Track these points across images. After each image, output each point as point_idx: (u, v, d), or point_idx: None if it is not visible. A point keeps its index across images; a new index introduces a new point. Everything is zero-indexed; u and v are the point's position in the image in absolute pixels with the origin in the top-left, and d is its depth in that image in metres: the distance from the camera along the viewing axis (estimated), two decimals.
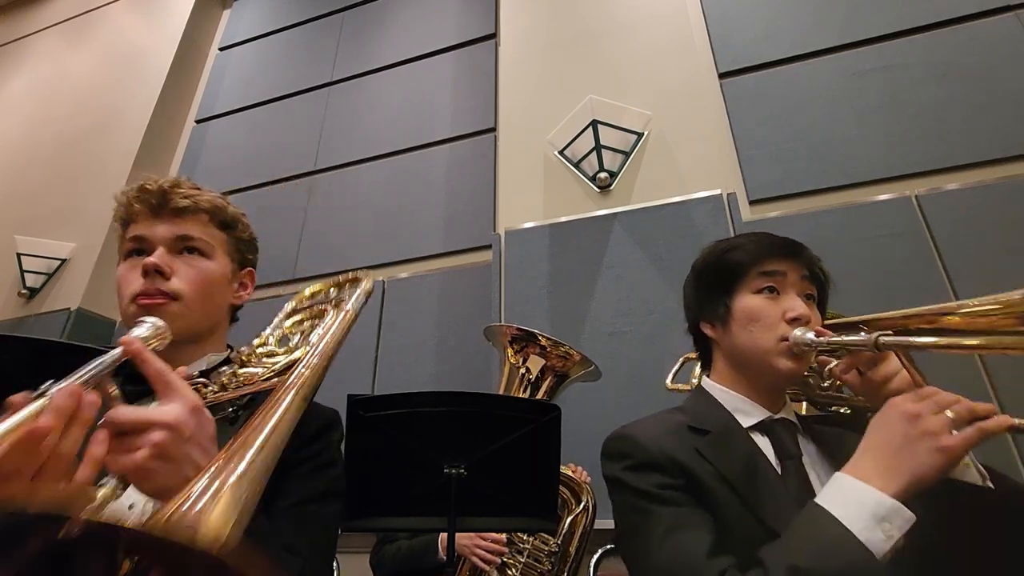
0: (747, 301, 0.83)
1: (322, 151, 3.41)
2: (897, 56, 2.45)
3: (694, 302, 0.91)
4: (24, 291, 3.42)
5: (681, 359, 1.16)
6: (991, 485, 0.65)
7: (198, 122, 4.00)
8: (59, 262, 3.42)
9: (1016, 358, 1.74)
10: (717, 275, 0.87)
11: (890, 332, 0.67)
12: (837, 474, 0.65)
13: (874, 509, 0.59)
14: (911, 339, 0.64)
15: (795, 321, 0.79)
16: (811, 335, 0.76)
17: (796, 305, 0.80)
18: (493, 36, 3.33)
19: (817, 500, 0.64)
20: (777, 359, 0.79)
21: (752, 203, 2.42)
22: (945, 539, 0.63)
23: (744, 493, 0.72)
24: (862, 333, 0.70)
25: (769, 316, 0.80)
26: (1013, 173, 2.10)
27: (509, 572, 1.51)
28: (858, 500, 0.61)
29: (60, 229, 3.51)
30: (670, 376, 1.18)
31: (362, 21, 3.86)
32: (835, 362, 0.79)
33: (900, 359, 0.68)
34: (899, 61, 2.44)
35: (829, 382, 0.87)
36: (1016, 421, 0.59)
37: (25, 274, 3.40)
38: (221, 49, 4.31)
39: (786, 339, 0.78)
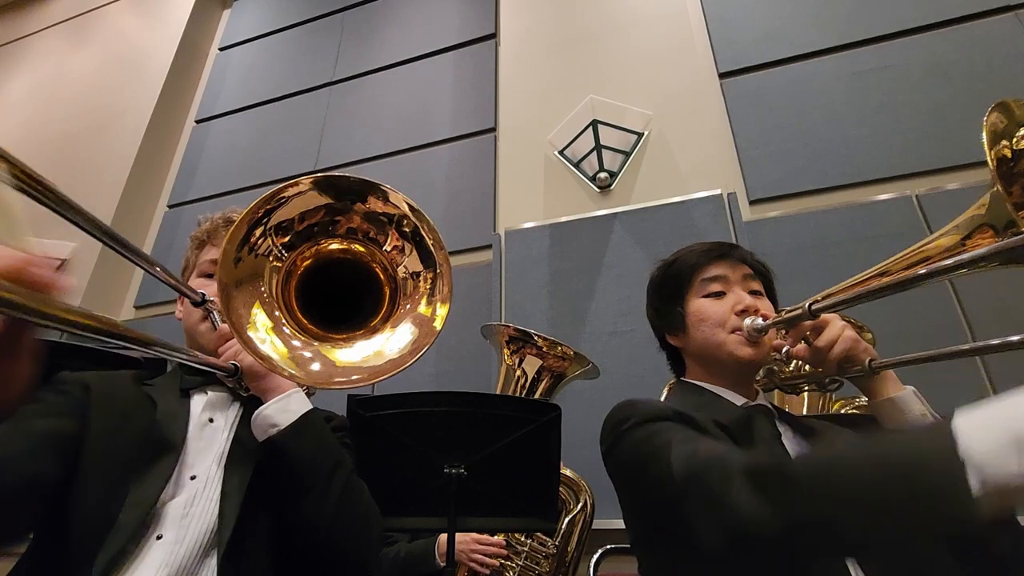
0: (696, 304, 0.89)
1: (322, 151, 3.41)
2: (897, 56, 2.45)
3: (656, 319, 0.98)
4: None
5: (666, 387, 1.17)
6: None
7: (198, 122, 4.00)
8: (59, 262, 3.42)
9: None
10: (666, 289, 0.95)
11: (819, 298, 0.74)
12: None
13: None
14: (835, 298, 0.72)
15: (744, 313, 0.84)
16: (760, 320, 0.83)
17: (743, 298, 0.86)
18: (493, 36, 3.33)
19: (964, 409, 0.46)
20: (736, 348, 0.84)
21: (752, 203, 2.42)
22: None
23: (743, 442, 0.74)
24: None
25: (718, 313, 0.86)
26: None
27: (507, 575, 1.50)
28: (1009, 415, 0.42)
29: (60, 229, 3.50)
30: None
31: (362, 21, 3.86)
32: (788, 345, 0.85)
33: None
34: (899, 61, 2.44)
35: (792, 365, 0.94)
36: None
37: None
38: (221, 49, 4.31)
39: (739, 330, 0.84)
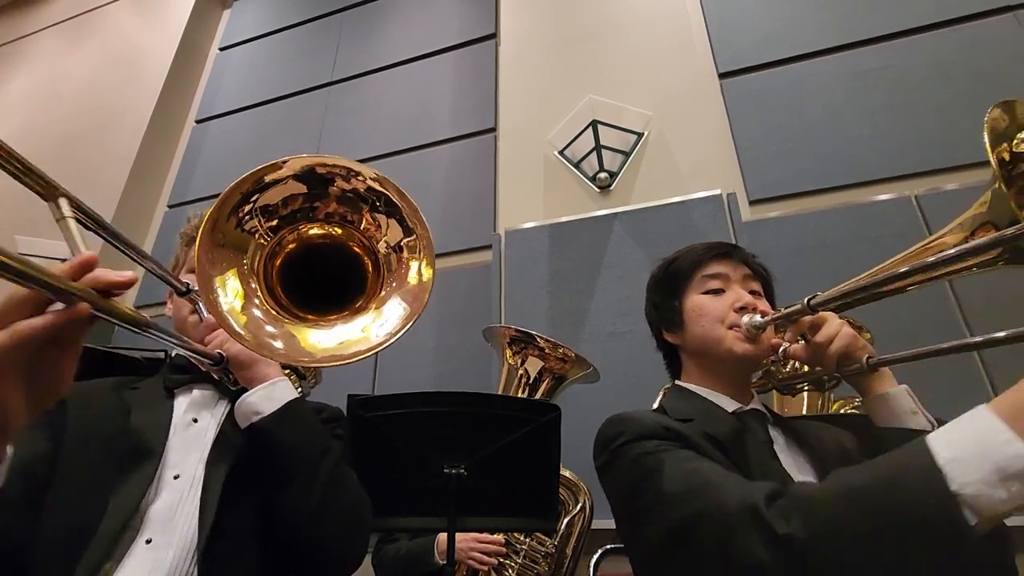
0: (695, 300, 0.89)
1: (322, 151, 3.40)
2: (897, 56, 2.45)
3: (654, 316, 0.98)
4: None
5: (661, 392, 1.16)
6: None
7: (198, 122, 4.00)
8: (59, 262, 3.41)
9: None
10: (666, 285, 0.95)
11: (819, 294, 0.75)
12: (979, 406, 0.50)
13: (1005, 461, 0.44)
14: (836, 293, 0.72)
15: (742, 310, 0.84)
16: (758, 317, 0.83)
17: (742, 295, 0.86)
18: (493, 36, 3.33)
19: (932, 434, 0.51)
20: (733, 344, 0.83)
21: (752, 203, 2.42)
22: None
23: (736, 459, 0.74)
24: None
25: (717, 309, 0.86)
26: None
27: (506, 573, 1.50)
28: (984, 442, 0.46)
29: (59, 230, 3.50)
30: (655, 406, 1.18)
31: (362, 21, 3.86)
32: (786, 342, 0.84)
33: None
34: (899, 61, 2.44)
35: (790, 365, 0.93)
36: None
37: None
38: (221, 49, 4.31)
39: (737, 326, 0.84)
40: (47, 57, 4.71)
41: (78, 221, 0.55)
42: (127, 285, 0.49)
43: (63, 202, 0.54)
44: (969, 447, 0.47)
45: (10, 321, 0.42)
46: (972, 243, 0.55)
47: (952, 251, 0.58)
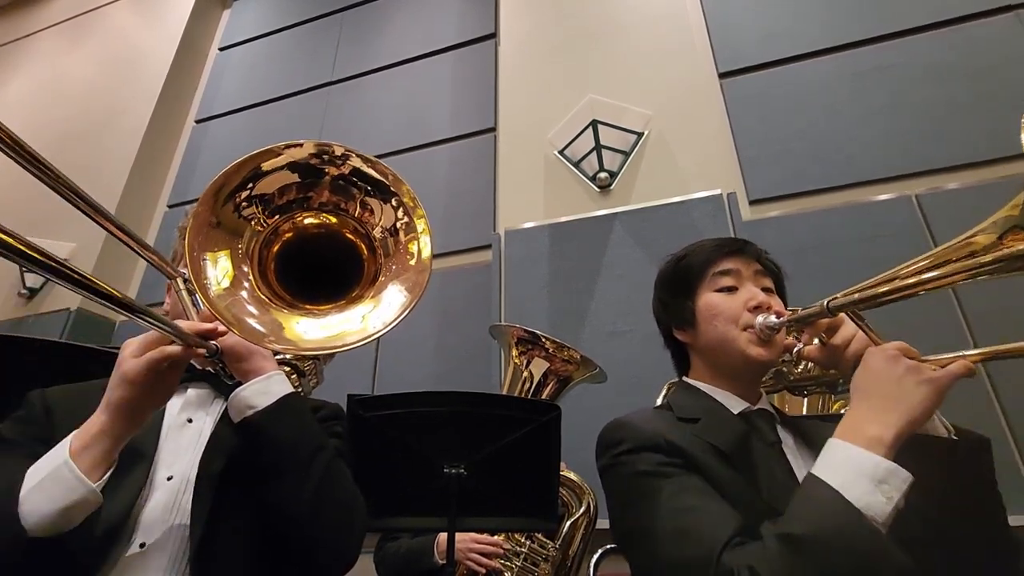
0: (708, 299, 0.87)
1: None
2: (897, 56, 2.46)
3: (663, 313, 0.95)
4: (24, 291, 3.42)
5: (665, 386, 1.15)
6: (955, 437, 0.67)
7: (198, 122, 4.00)
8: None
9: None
10: (677, 282, 0.92)
11: (837, 296, 0.72)
12: (830, 440, 0.64)
13: (871, 472, 0.58)
14: (854, 296, 0.70)
15: (756, 309, 0.82)
16: (773, 318, 0.80)
17: (755, 294, 0.84)
18: (493, 36, 3.33)
19: (813, 470, 0.62)
20: (747, 347, 0.81)
21: (752, 203, 2.42)
22: (921, 492, 0.62)
23: (740, 467, 0.73)
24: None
25: (731, 308, 0.84)
26: (1013, 173, 2.10)
27: (505, 575, 1.50)
28: (854, 465, 0.60)
29: (60, 229, 3.50)
30: (659, 402, 1.18)
31: (362, 21, 3.86)
32: (801, 344, 0.82)
33: (856, 322, 0.73)
34: (899, 61, 2.44)
35: (802, 366, 0.91)
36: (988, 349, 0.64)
37: (25, 274, 3.40)
38: (221, 49, 4.32)
39: (751, 327, 0.81)
40: (47, 57, 4.71)
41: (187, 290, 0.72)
42: (214, 331, 0.70)
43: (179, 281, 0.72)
44: (844, 471, 0.59)
45: (149, 351, 0.64)
46: (1007, 251, 0.55)
47: (983, 258, 0.57)
